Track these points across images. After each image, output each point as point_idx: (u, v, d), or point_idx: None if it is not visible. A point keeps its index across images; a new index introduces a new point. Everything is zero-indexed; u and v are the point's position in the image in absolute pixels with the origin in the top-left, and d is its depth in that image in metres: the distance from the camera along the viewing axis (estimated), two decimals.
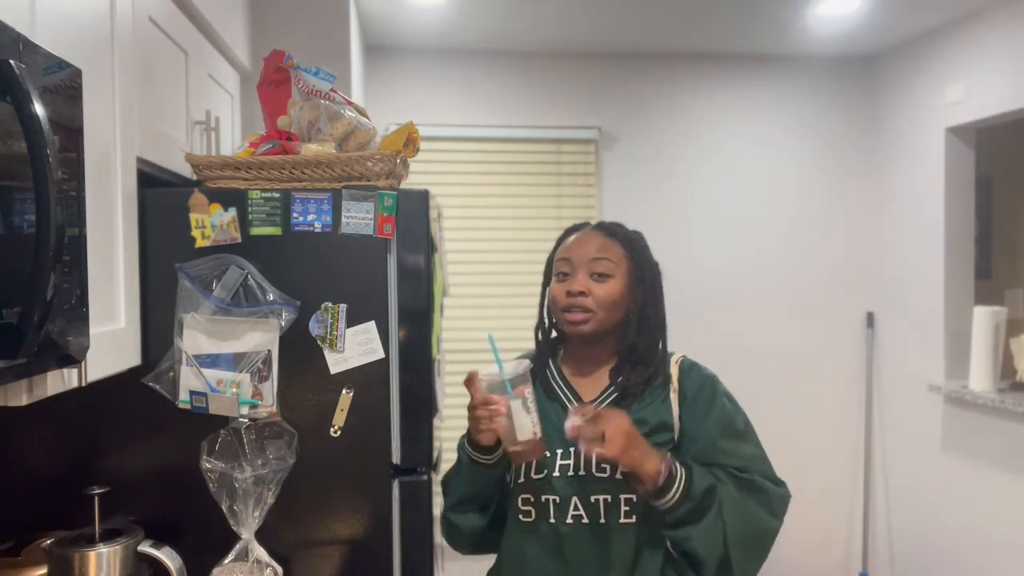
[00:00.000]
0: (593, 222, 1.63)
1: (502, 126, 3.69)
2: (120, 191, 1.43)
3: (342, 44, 2.67)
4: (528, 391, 1.41)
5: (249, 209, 1.61)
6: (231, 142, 2.26)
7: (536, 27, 3.37)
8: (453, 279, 3.46)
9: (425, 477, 1.67)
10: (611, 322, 1.51)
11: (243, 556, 1.56)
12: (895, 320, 3.77)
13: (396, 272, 1.65)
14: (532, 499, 1.50)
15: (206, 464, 1.54)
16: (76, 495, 1.48)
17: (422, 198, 1.66)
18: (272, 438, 1.59)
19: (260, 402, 1.57)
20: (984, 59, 3.18)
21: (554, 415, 1.53)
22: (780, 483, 1.50)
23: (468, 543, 1.61)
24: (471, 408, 1.43)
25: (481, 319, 3.63)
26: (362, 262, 1.63)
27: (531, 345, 1.65)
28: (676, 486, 1.38)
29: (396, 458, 1.66)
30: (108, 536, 1.47)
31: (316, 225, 1.62)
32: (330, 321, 1.61)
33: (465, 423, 1.48)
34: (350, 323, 1.62)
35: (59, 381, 1.18)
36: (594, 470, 1.46)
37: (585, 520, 1.47)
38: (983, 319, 3.18)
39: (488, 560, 1.63)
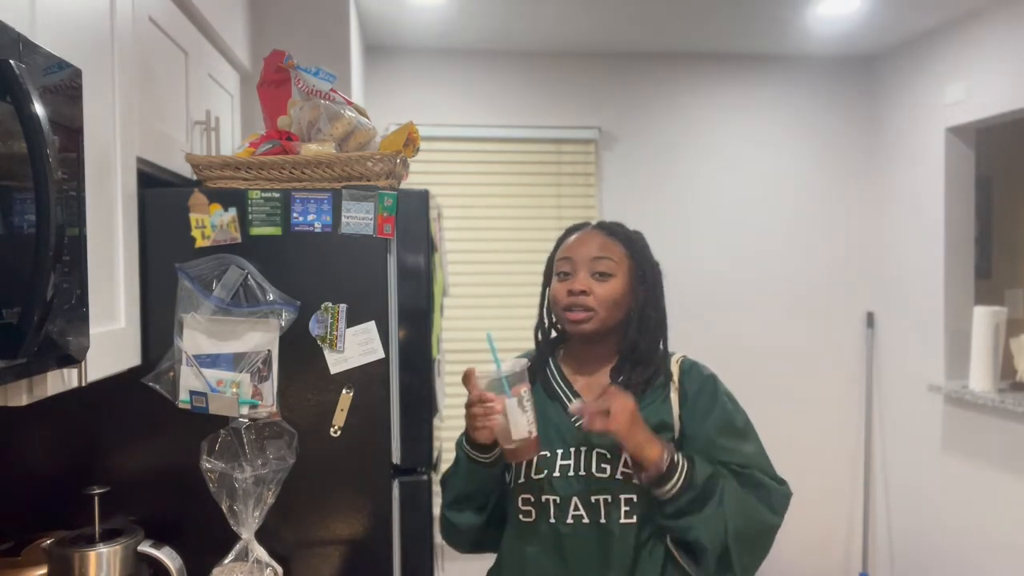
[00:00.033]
0: (594, 222, 1.63)
1: (502, 126, 3.69)
2: (120, 191, 1.43)
3: (342, 44, 2.67)
4: (525, 390, 1.42)
5: (249, 209, 1.61)
6: (231, 142, 2.26)
7: (536, 27, 3.37)
8: (453, 279, 3.46)
9: (425, 477, 1.68)
10: (612, 321, 1.51)
11: (243, 556, 1.56)
12: (895, 320, 3.77)
13: (396, 272, 1.65)
14: (532, 499, 1.50)
15: (206, 464, 1.54)
16: (76, 495, 1.48)
17: (422, 198, 1.67)
18: (272, 438, 1.59)
19: (260, 402, 1.57)
20: (984, 59, 3.18)
21: (554, 414, 1.53)
22: (781, 481, 1.50)
23: (465, 541, 1.61)
24: (468, 405, 1.43)
25: (481, 319, 3.63)
26: (362, 262, 1.63)
27: (531, 345, 1.65)
28: (678, 474, 1.39)
29: (396, 458, 1.66)
30: (108, 536, 1.47)
31: (316, 225, 1.62)
32: (330, 321, 1.61)
33: (464, 422, 1.48)
34: (350, 323, 1.62)
35: (59, 381, 1.18)
36: (594, 470, 1.46)
37: (585, 520, 1.47)
38: (983, 319, 3.18)
39: (488, 560, 1.63)
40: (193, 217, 1.60)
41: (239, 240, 1.61)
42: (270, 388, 1.58)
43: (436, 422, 1.75)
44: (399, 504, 1.66)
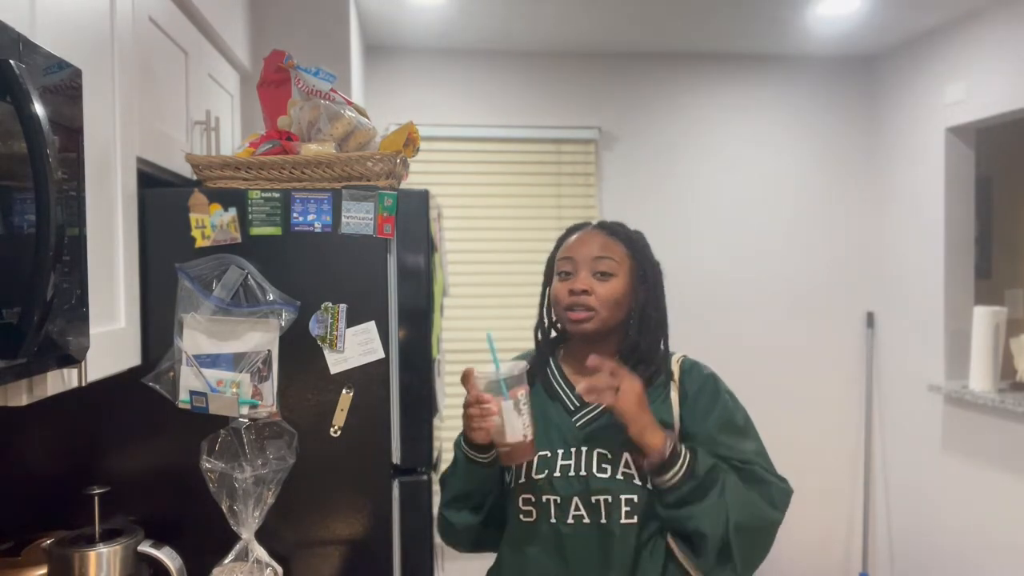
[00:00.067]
0: (594, 222, 1.62)
1: (502, 126, 3.69)
2: (120, 191, 1.43)
3: (342, 44, 2.67)
4: (523, 393, 1.41)
5: (249, 209, 1.61)
6: (231, 142, 2.26)
7: (536, 27, 3.37)
8: (453, 279, 3.46)
9: (425, 477, 1.68)
10: (613, 321, 1.51)
11: (243, 556, 1.56)
12: (895, 320, 3.77)
13: (396, 272, 1.65)
14: (533, 499, 1.50)
15: (206, 464, 1.54)
16: (76, 495, 1.48)
17: (422, 198, 1.66)
18: (272, 438, 1.59)
19: (260, 402, 1.57)
20: (984, 59, 3.18)
21: (555, 414, 1.53)
22: (782, 479, 1.50)
23: (462, 540, 1.61)
24: (465, 406, 1.44)
25: (481, 319, 3.63)
26: (362, 262, 1.63)
27: (531, 344, 1.65)
28: (680, 462, 1.39)
29: (396, 458, 1.66)
30: (108, 536, 1.47)
31: (316, 225, 1.62)
32: (330, 321, 1.61)
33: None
34: (350, 323, 1.62)
35: (59, 381, 1.18)
36: (595, 470, 1.46)
37: (586, 520, 1.47)
38: (983, 319, 3.18)
39: (488, 559, 1.63)
40: (193, 217, 1.60)
41: (239, 240, 1.61)
42: (270, 388, 1.58)
43: (436, 422, 1.76)
44: (399, 504, 1.66)
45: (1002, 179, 3.97)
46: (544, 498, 1.48)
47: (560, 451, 1.49)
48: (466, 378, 1.44)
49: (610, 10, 3.17)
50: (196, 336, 1.56)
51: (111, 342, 1.38)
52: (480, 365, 1.47)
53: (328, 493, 1.64)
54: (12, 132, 0.93)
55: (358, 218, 1.62)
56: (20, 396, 1.10)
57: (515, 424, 1.39)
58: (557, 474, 1.48)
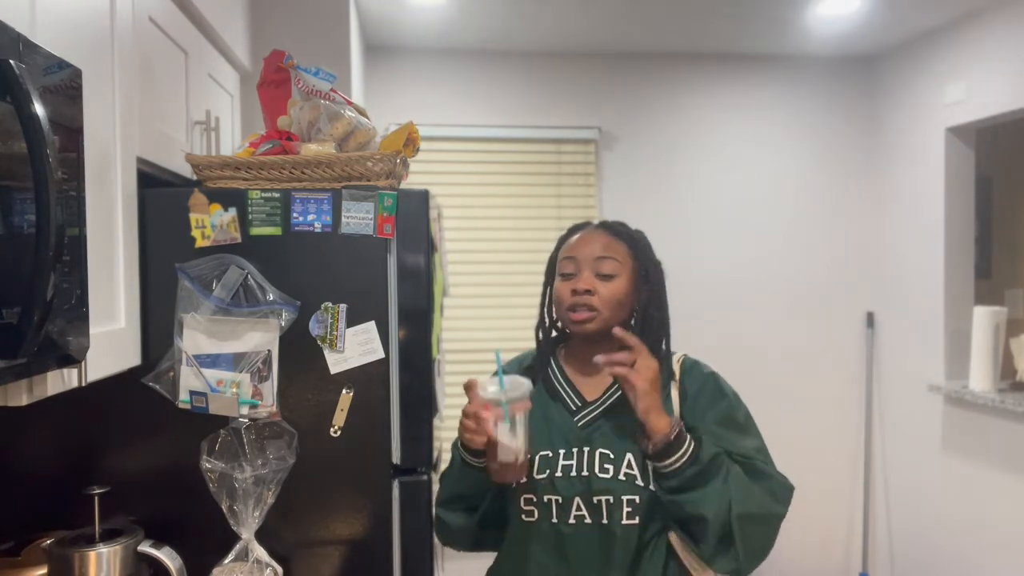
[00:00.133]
0: (596, 221, 1.62)
1: (502, 126, 3.69)
2: (120, 191, 1.43)
3: (342, 44, 2.67)
4: (521, 414, 1.40)
5: (249, 209, 1.61)
6: (231, 142, 2.26)
7: (536, 27, 3.37)
8: (453, 279, 3.46)
9: (425, 477, 1.67)
10: (615, 321, 1.51)
11: (243, 556, 1.56)
12: (895, 320, 3.77)
13: (396, 272, 1.65)
14: (534, 499, 1.50)
15: (206, 464, 1.54)
16: (76, 495, 1.48)
17: (422, 198, 1.66)
18: (272, 438, 1.59)
19: (260, 402, 1.57)
20: (984, 59, 3.18)
21: (556, 414, 1.53)
22: (783, 476, 1.50)
23: (459, 540, 1.61)
24: (463, 414, 1.43)
25: (481, 319, 3.63)
26: (362, 262, 1.63)
27: (531, 344, 1.65)
28: (684, 447, 1.40)
29: (396, 458, 1.66)
30: (108, 536, 1.47)
31: (316, 225, 1.62)
32: (330, 321, 1.61)
33: None
34: (350, 323, 1.62)
35: (59, 381, 1.18)
36: (597, 471, 1.46)
37: (588, 520, 1.47)
38: (983, 319, 3.18)
39: (488, 559, 1.63)
40: (193, 217, 1.60)
41: (239, 240, 1.61)
42: (270, 388, 1.58)
43: (436, 422, 1.75)
44: (399, 504, 1.66)
45: (1002, 179, 3.97)
46: (546, 498, 1.49)
47: (562, 451, 1.49)
48: (469, 388, 1.43)
49: (610, 10, 3.17)
50: (196, 336, 1.56)
51: (111, 342, 1.38)
52: (481, 366, 1.47)
53: (328, 493, 1.64)
54: (12, 132, 0.93)
55: (358, 218, 1.62)
56: (20, 396, 1.10)
57: (508, 445, 1.38)
58: (559, 474, 1.48)
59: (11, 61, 0.91)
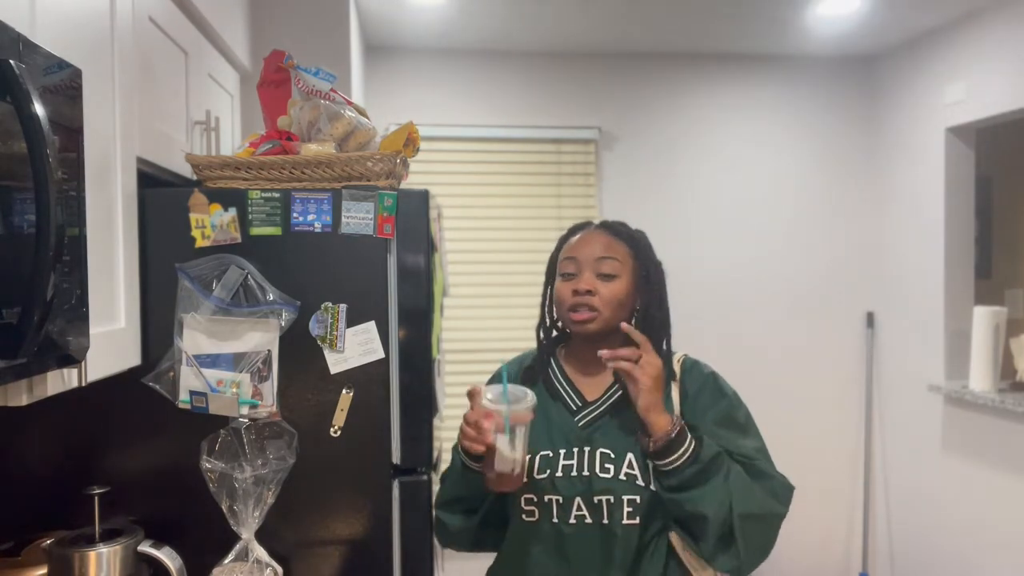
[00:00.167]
0: (596, 221, 1.62)
1: (502, 126, 3.69)
2: (120, 191, 1.43)
3: (342, 44, 2.67)
4: (522, 428, 1.39)
5: (249, 209, 1.61)
6: (231, 142, 2.26)
7: (536, 27, 3.37)
8: (453, 279, 3.46)
9: (425, 477, 1.67)
10: (616, 321, 1.51)
11: (243, 556, 1.56)
12: (895, 320, 3.77)
13: (396, 272, 1.65)
14: (535, 499, 1.50)
15: (206, 464, 1.54)
16: (76, 495, 1.48)
17: (422, 198, 1.66)
18: (272, 438, 1.59)
19: (260, 402, 1.57)
20: (984, 59, 3.18)
21: (556, 414, 1.53)
22: (783, 476, 1.50)
23: (458, 541, 1.61)
24: (465, 421, 1.43)
25: (481, 319, 3.63)
26: (362, 262, 1.63)
27: (531, 344, 1.65)
28: (685, 446, 1.39)
29: (396, 458, 1.66)
30: (108, 536, 1.47)
31: (316, 225, 1.62)
32: (330, 321, 1.61)
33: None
34: (350, 323, 1.62)
35: (59, 381, 1.18)
36: (598, 470, 1.46)
37: (588, 520, 1.47)
38: (983, 319, 3.18)
39: (488, 559, 1.63)
40: (193, 217, 1.60)
41: (239, 240, 1.61)
42: (270, 388, 1.58)
43: (436, 422, 1.75)
44: (399, 504, 1.66)
45: (1002, 179, 3.97)
46: (546, 498, 1.48)
47: (562, 451, 1.49)
48: (472, 395, 1.43)
49: (610, 10, 3.17)
50: (196, 336, 1.56)
51: (111, 342, 1.38)
52: (482, 366, 1.46)
53: (328, 493, 1.64)
54: (12, 132, 0.93)
55: (358, 218, 1.62)
56: (20, 396, 1.10)
57: (506, 456, 1.38)
58: (559, 474, 1.48)
59: (11, 61, 0.91)
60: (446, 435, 2.16)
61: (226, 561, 1.55)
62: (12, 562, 1.46)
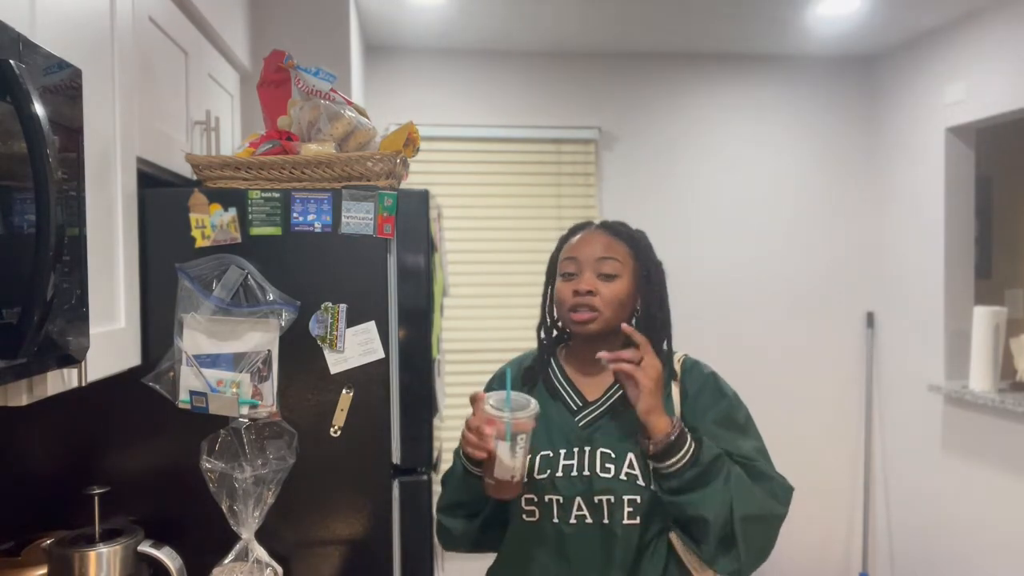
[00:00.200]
0: (597, 221, 1.62)
1: (502, 126, 3.69)
2: (120, 191, 1.43)
3: (342, 44, 2.67)
4: (524, 436, 1.39)
5: (249, 209, 1.61)
6: (231, 142, 2.26)
7: (536, 27, 3.37)
8: (453, 279, 3.46)
9: (425, 477, 1.68)
10: (617, 322, 1.51)
11: (243, 556, 1.56)
12: (895, 320, 3.77)
13: (396, 272, 1.65)
14: (535, 499, 1.50)
15: (206, 464, 1.54)
16: (76, 495, 1.48)
17: (422, 198, 1.67)
18: (272, 438, 1.59)
19: (260, 402, 1.57)
20: (984, 59, 3.18)
21: (557, 414, 1.53)
22: (782, 477, 1.50)
23: (459, 544, 1.61)
24: (467, 426, 1.43)
25: (481, 319, 3.63)
26: (362, 262, 1.63)
27: (531, 344, 1.65)
28: (685, 448, 1.39)
29: (396, 458, 1.66)
30: (108, 536, 1.47)
31: (316, 225, 1.62)
32: (330, 321, 1.61)
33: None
34: (350, 323, 1.62)
35: (59, 381, 1.18)
36: (598, 470, 1.46)
37: (589, 520, 1.46)
38: (983, 319, 3.18)
39: (488, 559, 1.63)
40: (193, 217, 1.60)
41: (239, 240, 1.61)
42: (270, 388, 1.58)
43: (436, 422, 1.75)
44: (399, 504, 1.66)
45: (1002, 179, 3.97)
46: (547, 498, 1.48)
47: (563, 451, 1.49)
48: (474, 400, 1.43)
49: (610, 10, 3.17)
50: (196, 336, 1.56)
51: (111, 342, 1.38)
52: (483, 366, 1.46)
53: (328, 493, 1.64)
54: (12, 132, 0.93)
55: (358, 218, 1.62)
56: (20, 396, 1.10)
57: (506, 464, 1.37)
58: (560, 474, 1.48)
59: (11, 61, 0.91)
60: (446, 435, 2.16)
61: (226, 561, 1.55)
62: (12, 562, 1.46)
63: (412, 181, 1.92)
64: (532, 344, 1.65)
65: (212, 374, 1.56)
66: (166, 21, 1.69)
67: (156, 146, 1.61)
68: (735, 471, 1.43)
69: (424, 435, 1.67)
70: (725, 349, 3.31)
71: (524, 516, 1.52)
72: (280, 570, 1.59)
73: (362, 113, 1.77)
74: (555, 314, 1.60)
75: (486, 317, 3.63)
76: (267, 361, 1.58)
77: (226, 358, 1.57)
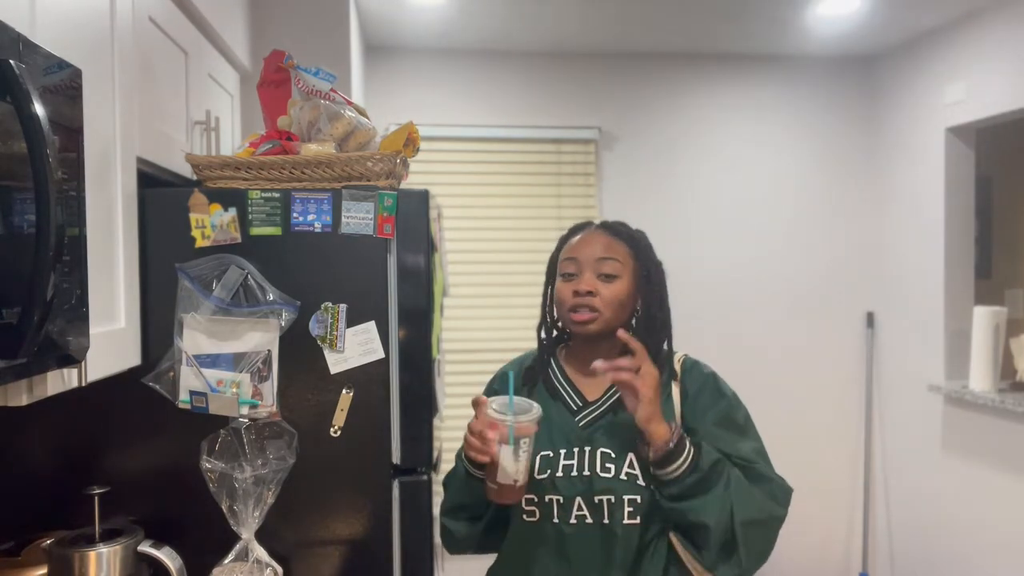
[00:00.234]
0: (597, 221, 1.62)
1: (502, 126, 3.69)
2: (120, 191, 1.43)
3: (342, 44, 2.67)
4: (526, 440, 1.38)
5: (249, 209, 1.61)
6: (231, 142, 2.26)
7: (536, 27, 3.37)
8: (453, 279, 3.46)
9: (425, 477, 1.68)
10: (617, 322, 1.51)
11: (243, 556, 1.56)
12: (895, 320, 3.77)
13: (396, 272, 1.65)
14: (536, 499, 1.50)
15: (206, 464, 1.54)
16: (76, 495, 1.48)
17: (422, 198, 1.67)
18: (272, 438, 1.59)
19: (260, 402, 1.57)
20: (984, 59, 3.18)
21: (557, 414, 1.53)
22: (781, 478, 1.50)
23: (463, 547, 1.60)
24: (469, 430, 1.42)
25: (481, 319, 3.63)
26: (362, 262, 1.63)
27: (531, 344, 1.65)
28: (685, 454, 1.39)
29: (396, 458, 1.66)
30: (108, 536, 1.47)
31: (316, 225, 1.62)
32: (330, 321, 1.61)
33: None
34: (350, 323, 1.62)
35: (59, 381, 1.18)
36: (598, 470, 1.46)
37: (589, 520, 1.46)
38: (983, 319, 3.18)
39: (488, 559, 1.63)
40: (193, 217, 1.60)
41: (239, 240, 1.61)
42: (270, 388, 1.58)
43: (436, 422, 1.75)
44: (399, 504, 1.66)
45: (1002, 179, 3.97)
46: (547, 498, 1.48)
47: (563, 451, 1.49)
48: (477, 404, 1.42)
49: (610, 10, 3.17)
50: (196, 336, 1.56)
51: (111, 342, 1.38)
52: (482, 366, 1.46)
53: (328, 493, 1.64)
54: (12, 132, 0.93)
55: (358, 218, 1.62)
56: (20, 396, 1.10)
57: (508, 468, 1.37)
58: (560, 474, 1.48)
59: (11, 61, 0.91)
60: (446, 435, 2.16)
61: (226, 561, 1.55)
62: (12, 562, 1.46)
63: (412, 181, 1.92)
64: (532, 344, 1.64)
65: (212, 374, 1.56)
66: (166, 21, 1.69)
67: (156, 146, 1.61)
68: (735, 475, 1.43)
69: (424, 435, 1.67)
70: (725, 349, 3.30)
71: (524, 516, 1.52)
72: (280, 570, 1.59)
73: (362, 113, 1.77)
74: (555, 314, 1.60)
75: (486, 317, 3.63)
76: (267, 361, 1.58)
77: (226, 358, 1.57)
